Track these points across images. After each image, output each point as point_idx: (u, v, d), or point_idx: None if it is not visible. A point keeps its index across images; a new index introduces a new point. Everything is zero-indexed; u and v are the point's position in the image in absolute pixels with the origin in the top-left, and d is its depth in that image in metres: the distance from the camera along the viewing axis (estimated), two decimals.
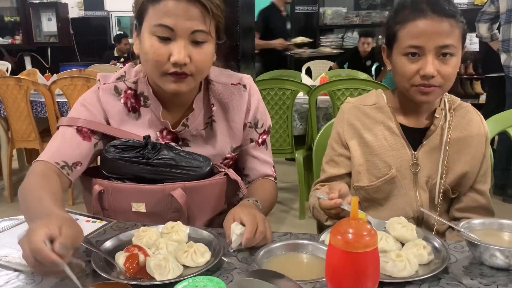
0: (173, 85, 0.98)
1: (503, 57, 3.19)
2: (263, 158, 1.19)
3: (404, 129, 1.13)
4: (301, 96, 3.08)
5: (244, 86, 1.13)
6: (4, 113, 3.19)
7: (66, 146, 1.03)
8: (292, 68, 5.12)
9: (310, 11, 6.24)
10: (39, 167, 0.99)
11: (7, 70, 5.39)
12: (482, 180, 1.14)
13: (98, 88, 1.10)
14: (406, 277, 0.74)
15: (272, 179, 1.21)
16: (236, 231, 0.85)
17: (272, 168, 1.22)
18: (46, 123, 3.17)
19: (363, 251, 0.58)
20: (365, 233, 0.58)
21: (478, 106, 1.22)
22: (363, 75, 3.81)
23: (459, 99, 1.17)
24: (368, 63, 4.90)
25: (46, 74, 3.81)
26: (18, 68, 6.24)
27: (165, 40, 0.95)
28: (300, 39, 5.49)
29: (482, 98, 5.30)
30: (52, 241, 0.68)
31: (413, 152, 1.11)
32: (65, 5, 6.78)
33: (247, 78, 1.16)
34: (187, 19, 0.94)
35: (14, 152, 3.42)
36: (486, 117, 1.21)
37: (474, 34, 3.44)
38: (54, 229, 0.69)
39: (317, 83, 3.51)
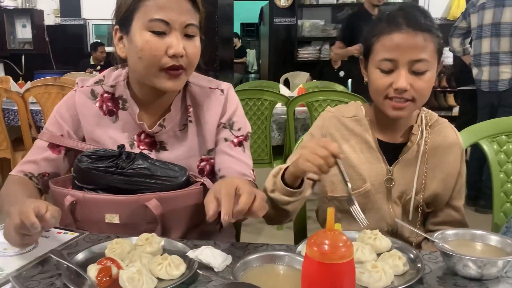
0: (169, 83, 1.00)
1: (474, 71, 3.29)
2: (240, 158, 1.13)
3: (381, 143, 1.13)
4: (280, 106, 3.11)
5: (222, 91, 1.14)
6: None
7: (35, 158, 1.10)
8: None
9: (288, 23, 6.31)
10: (14, 177, 1.09)
11: None
12: (457, 196, 1.15)
13: (76, 91, 1.12)
14: None
15: (251, 180, 1.13)
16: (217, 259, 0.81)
17: (251, 171, 1.15)
18: (19, 132, 3.09)
19: (339, 262, 0.58)
20: (341, 244, 0.58)
21: (451, 119, 1.24)
22: (340, 87, 3.86)
23: (436, 114, 1.18)
24: (341, 73, 4.90)
25: (20, 82, 3.72)
26: None
27: (160, 34, 0.97)
28: None
29: (455, 111, 5.43)
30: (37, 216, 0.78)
31: (389, 167, 1.12)
32: (41, 12, 6.66)
33: (226, 85, 1.17)
34: (180, 13, 0.97)
35: None
36: (459, 129, 1.23)
37: (448, 48, 3.55)
38: (42, 204, 0.80)
39: (295, 94, 3.55)
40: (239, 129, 1.14)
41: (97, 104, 1.10)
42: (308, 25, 6.19)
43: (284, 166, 1.02)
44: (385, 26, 1.04)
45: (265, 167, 3.07)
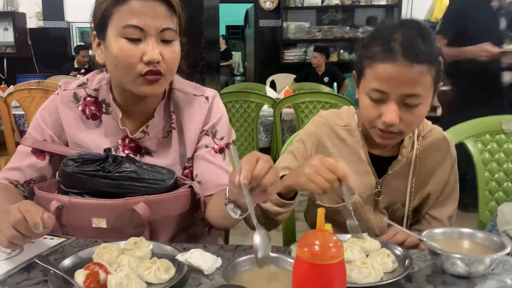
0: (147, 88, 0.98)
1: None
2: (220, 165, 1.09)
3: (371, 156, 1.11)
4: (266, 108, 3.11)
5: (207, 98, 1.12)
6: None
7: (19, 165, 1.07)
8: None
9: (274, 25, 6.32)
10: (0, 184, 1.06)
11: None
12: (439, 206, 1.14)
13: (58, 94, 1.10)
14: (371, 283, 0.75)
15: None
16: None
17: None
18: (1, 137, 3.03)
19: (330, 263, 0.58)
20: (331, 245, 0.58)
21: (435, 119, 1.24)
22: (326, 89, 3.89)
23: (429, 124, 1.15)
24: (326, 79, 4.91)
25: (2, 86, 3.66)
26: None
27: (135, 41, 0.95)
28: None
29: (439, 112, 5.49)
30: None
31: (378, 179, 1.11)
32: (23, 15, 6.56)
33: (212, 92, 1.14)
34: (155, 18, 0.95)
35: None
36: (444, 129, 1.24)
37: None
38: (41, 208, 0.81)
39: (281, 96, 3.55)
40: (221, 138, 1.12)
41: (80, 108, 1.08)
42: (293, 27, 6.22)
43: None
44: (379, 51, 0.96)
45: None
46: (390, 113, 0.95)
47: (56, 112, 1.09)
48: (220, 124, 1.12)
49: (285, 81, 5.80)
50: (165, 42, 0.97)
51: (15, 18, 6.39)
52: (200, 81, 2.16)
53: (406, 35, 0.95)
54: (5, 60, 6.55)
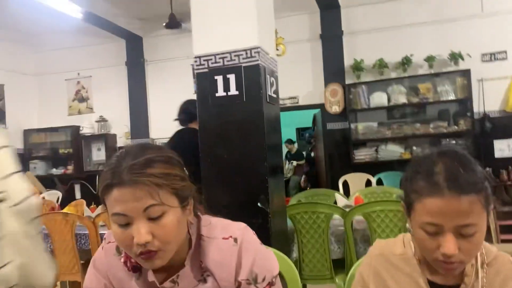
0: (148, 264, 1.00)
1: None
2: None
3: (432, 284, 1.07)
4: (337, 217, 3.07)
5: (235, 240, 1.08)
6: (50, 246, 3.33)
7: None
8: None
9: (342, 127, 6.44)
10: None
11: (58, 200, 5.74)
12: None
13: (103, 248, 1.16)
14: None
15: None
16: None
17: None
18: (88, 254, 3.27)
19: None
20: None
21: None
22: (400, 191, 3.78)
23: (495, 249, 1.10)
24: None
25: (92, 206, 4.02)
26: (68, 195, 6.64)
27: (124, 226, 0.97)
28: None
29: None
30: None
31: None
32: (114, 135, 7.38)
33: (239, 229, 1.11)
34: (135, 201, 0.95)
35: (58, 284, 3.49)
36: None
37: None
38: None
39: (352, 201, 3.51)
40: (263, 279, 1.08)
41: (122, 260, 1.10)
42: (361, 127, 6.30)
43: None
44: (424, 186, 0.97)
45: (326, 283, 2.96)
46: (448, 244, 0.94)
47: (103, 265, 1.13)
48: (256, 264, 1.08)
49: (358, 180, 5.77)
50: (153, 219, 0.96)
51: (107, 139, 7.22)
52: (264, 183, 2.28)
53: (448, 167, 0.96)
54: (97, 177, 7.25)
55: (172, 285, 1.07)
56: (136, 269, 1.10)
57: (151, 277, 1.07)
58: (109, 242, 1.15)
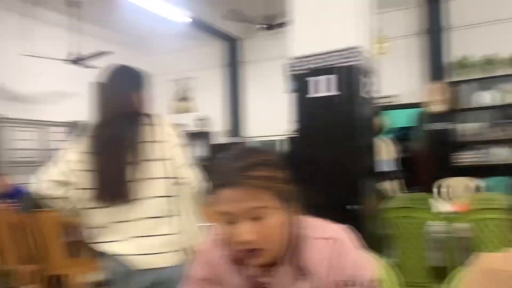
0: (251, 261, 1.06)
1: None
2: None
3: None
4: (436, 222, 2.92)
5: (335, 241, 1.08)
6: None
7: None
8: None
9: (444, 127, 6.06)
10: None
11: None
12: None
13: (209, 239, 1.24)
14: None
15: None
16: None
17: None
18: None
19: None
20: None
21: None
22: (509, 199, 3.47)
23: None
24: None
25: None
26: None
27: (230, 224, 1.03)
28: None
29: None
30: None
31: None
32: (213, 133, 7.77)
33: (339, 231, 1.11)
34: (241, 202, 1.00)
35: None
36: None
37: None
38: None
39: (453, 207, 3.31)
40: (360, 283, 1.06)
41: (226, 253, 1.15)
42: (466, 128, 5.88)
43: None
44: None
45: None
46: None
47: (208, 256, 1.20)
48: (355, 267, 1.07)
49: (459, 184, 5.38)
50: (257, 219, 1.01)
51: (207, 137, 7.71)
52: (358, 184, 2.26)
53: None
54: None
55: (270, 280, 1.12)
56: (238, 262, 1.15)
57: (251, 271, 1.12)
58: (216, 234, 1.22)
